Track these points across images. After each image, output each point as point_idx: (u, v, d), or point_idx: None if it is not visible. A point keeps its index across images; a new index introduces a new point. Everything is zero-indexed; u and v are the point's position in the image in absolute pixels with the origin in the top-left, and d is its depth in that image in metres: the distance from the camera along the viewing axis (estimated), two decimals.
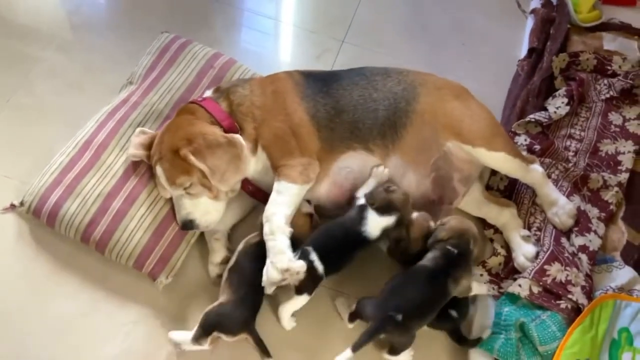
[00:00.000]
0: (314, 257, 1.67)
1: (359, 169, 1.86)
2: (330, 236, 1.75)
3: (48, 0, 2.62)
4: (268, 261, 1.65)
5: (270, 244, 1.66)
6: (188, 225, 1.77)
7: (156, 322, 1.76)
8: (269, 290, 1.64)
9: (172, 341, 1.64)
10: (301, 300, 1.69)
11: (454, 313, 1.72)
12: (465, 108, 1.91)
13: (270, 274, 1.62)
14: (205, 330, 1.62)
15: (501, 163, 1.90)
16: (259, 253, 1.73)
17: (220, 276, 1.79)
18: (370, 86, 1.90)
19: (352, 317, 1.72)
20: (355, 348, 1.59)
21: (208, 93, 1.94)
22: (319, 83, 1.91)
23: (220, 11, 2.66)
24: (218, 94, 1.91)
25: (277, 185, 1.76)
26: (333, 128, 1.85)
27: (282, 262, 1.62)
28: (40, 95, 2.24)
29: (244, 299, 1.67)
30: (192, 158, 1.71)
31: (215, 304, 1.66)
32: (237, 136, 1.78)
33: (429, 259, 1.73)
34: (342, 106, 1.86)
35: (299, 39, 2.65)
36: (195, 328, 1.62)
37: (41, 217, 1.84)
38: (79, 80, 2.30)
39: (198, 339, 1.61)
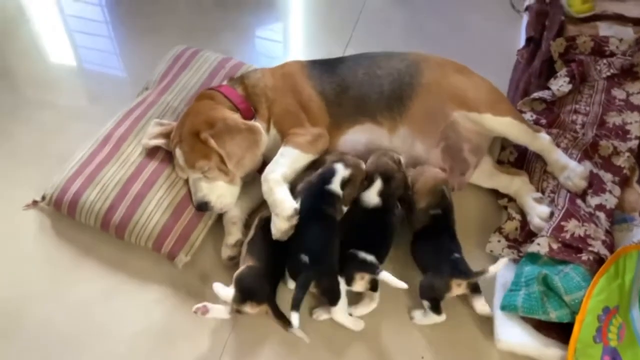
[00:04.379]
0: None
1: (366, 141, 1.92)
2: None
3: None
4: (273, 216, 1.69)
5: (270, 200, 1.72)
6: (203, 206, 1.81)
7: (176, 299, 1.77)
8: (284, 238, 1.68)
9: (215, 291, 1.61)
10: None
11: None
12: (469, 80, 1.98)
13: (278, 225, 1.67)
14: (243, 296, 1.61)
15: (508, 128, 1.93)
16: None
17: (231, 258, 1.81)
18: (374, 65, 1.99)
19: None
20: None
21: (224, 83, 2.04)
22: (325, 65, 2.02)
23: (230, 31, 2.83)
24: (233, 82, 2.02)
25: (281, 150, 1.82)
26: (340, 104, 1.92)
27: (285, 210, 1.67)
28: (61, 108, 2.37)
29: (267, 268, 1.68)
30: (212, 142, 1.77)
31: (243, 267, 1.66)
32: (257, 124, 1.86)
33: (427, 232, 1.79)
34: (348, 83, 1.94)
35: (302, 47, 2.80)
36: (234, 292, 1.60)
37: (62, 208, 1.89)
38: (97, 94, 2.43)
39: (238, 303, 1.60)
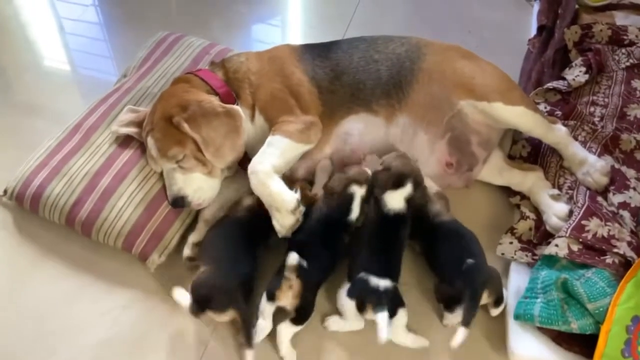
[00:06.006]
0: None
1: (360, 133, 1.74)
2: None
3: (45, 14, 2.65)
4: (273, 211, 1.50)
5: (264, 195, 1.52)
6: (179, 202, 1.62)
7: (146, 305, 1.58)
8: (289, 234, 1.52)
9: (175, 299, 1.46)
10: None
11: None
12: (475, 66, 1.79)
13: (282, 221, 1.50)
14: (200, 306, 1.41)
15: (521, 118, 1.74)
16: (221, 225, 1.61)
17: (190, 259, 1.62)
18: (371, 49, 1.80)
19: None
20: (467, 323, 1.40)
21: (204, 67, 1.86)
22: (317, 49, 1.83)
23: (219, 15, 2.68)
24: (213, 66, 1.83)
25: (268, 139, 1.62)
26: (333, 91, 1.73)
27: (286, 202, 1.49)
28: (34, 96, 2.20)
29: (220, 268, 1.46)
30: (185, 126, 1.58)
31: (198, 273, 1.46)
32: (236, 107, 1.67)
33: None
34: (342, 68, 1.76)
35: (299, 35, 2.66)
36: (190, 301, 1.42)
37: (24, 202, 1.70)
38: (74, 83, 2.25)
39: (196, 313, 1.42)
